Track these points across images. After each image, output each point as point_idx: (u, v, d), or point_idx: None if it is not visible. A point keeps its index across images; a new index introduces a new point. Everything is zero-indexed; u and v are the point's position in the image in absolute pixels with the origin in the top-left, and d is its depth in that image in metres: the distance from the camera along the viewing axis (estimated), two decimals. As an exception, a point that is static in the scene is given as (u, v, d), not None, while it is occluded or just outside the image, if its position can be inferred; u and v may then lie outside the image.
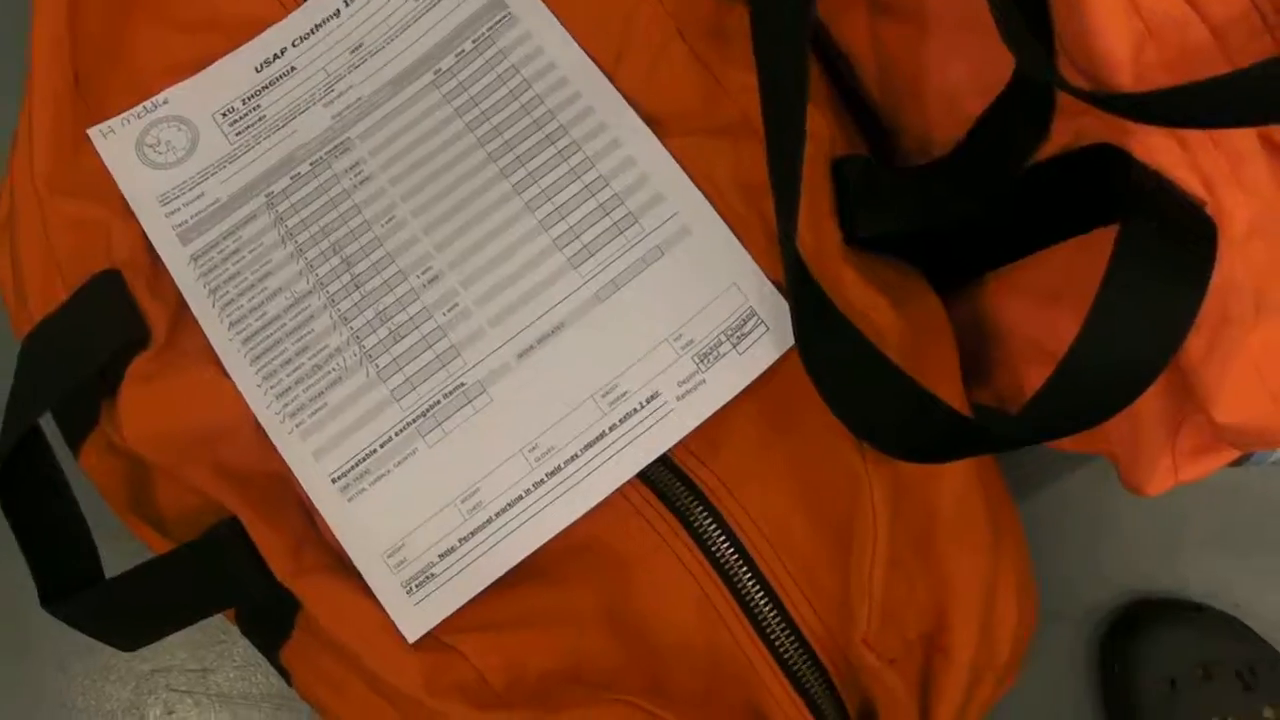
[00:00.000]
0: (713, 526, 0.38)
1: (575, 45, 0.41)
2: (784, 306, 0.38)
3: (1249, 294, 0.35)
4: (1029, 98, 0.37)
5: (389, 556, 0.38)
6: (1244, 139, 0.34)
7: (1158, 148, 0.34)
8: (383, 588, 0.38)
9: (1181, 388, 0.37)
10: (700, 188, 0.40)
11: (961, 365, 0.42)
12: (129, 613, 0.40)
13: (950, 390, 0.40)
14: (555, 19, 0.42)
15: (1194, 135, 0.34)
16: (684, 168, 0.40)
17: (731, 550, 0.38)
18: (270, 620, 0.41)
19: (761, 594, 0.38)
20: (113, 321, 0.41)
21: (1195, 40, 0.34)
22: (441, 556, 0.38)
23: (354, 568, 0.39)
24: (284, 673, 0.42)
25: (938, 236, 0.40)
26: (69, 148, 0.43)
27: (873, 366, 0.36)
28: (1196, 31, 0.34)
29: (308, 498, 0.39)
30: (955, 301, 0.43)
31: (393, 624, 0.38)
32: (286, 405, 0.39)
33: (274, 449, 0.39)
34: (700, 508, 0.38)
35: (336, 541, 0.39)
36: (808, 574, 0.38)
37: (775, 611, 0.38)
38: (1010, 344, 0.42)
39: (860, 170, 0.39)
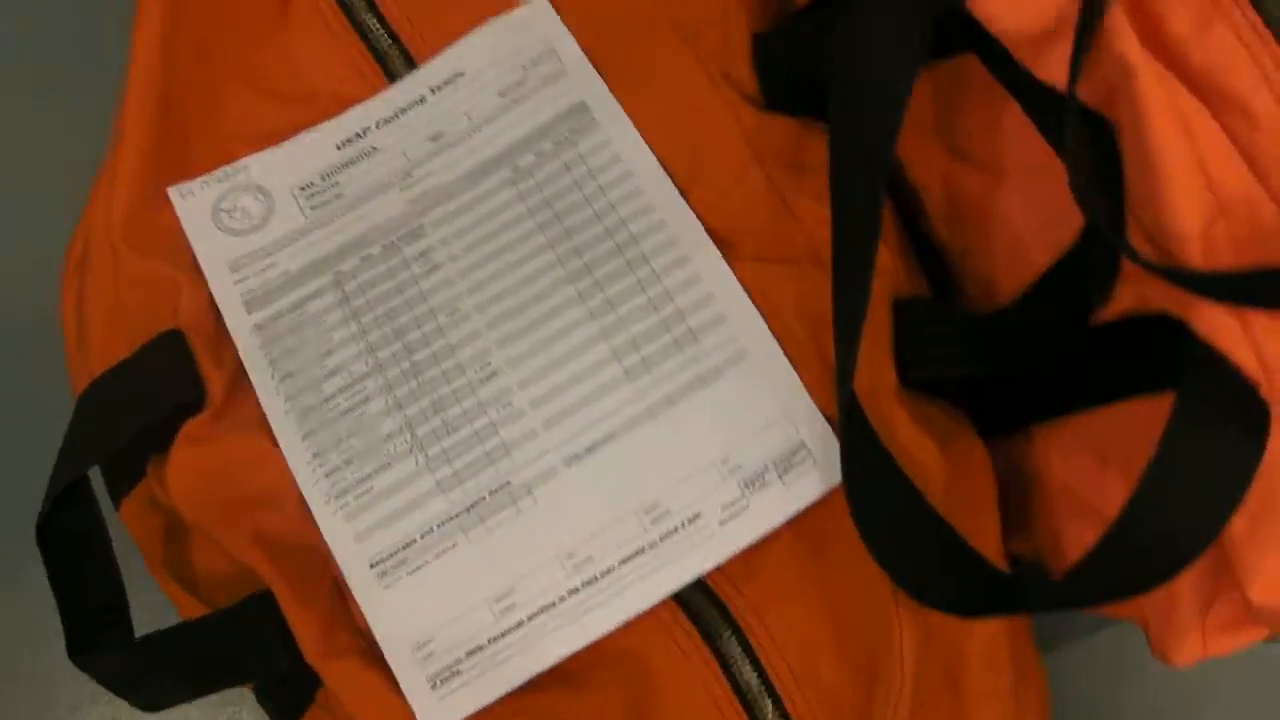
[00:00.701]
0: (739, 652, 0.38)
1: (653, 158, 0.42)
2: (834, 442, 0.39)
3: (1297, 477, 0.35)
4: (1095, 259, 0.38)
5: (418, 649, 0.38)
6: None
7: (1218, 324, 0.35)
8: (408, 680, 0.38)
9: (1218, 561, 0.37)
10: (762, 313, 0.40)
11: (1000, 512, 0.42)
12: (154, 674, 0.40)
13: (988, 538, 0.40)
14: (636, 130, 0.43)
15: (1255, 314, 0.35)
16: (748, 292, 0.40)
17: (756, 677, 0.38)
18: (289, 695, 0.41)
19: None
20: (172, 382, 0.41)
21: (1266, 220, 0.35)
22: (469, 654, 0.38)
23: (381, 654, 0.39)
24: None
25: (990, 384, 0.41)
26: (149, 203, 0.44)
27: (918, 516, 0.36)
28: (1268, 212, 0.35)
29: (344, 579, 0.39)
30: (999, 447, 0.43)
31: (414, 717, 0.38)
32: (334, 485, 0.40)
33: (315, 526, 0.40)
34: (729, 631, 0.39)
35: (366, 625, 0.39)
36: (830, 708, 0.38)
37: None
38: (1051, 497, 0.42)
39: (922, 313, 0.40)
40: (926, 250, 0.44)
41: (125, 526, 0.44)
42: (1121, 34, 0.34)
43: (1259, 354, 0.35)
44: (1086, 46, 0.33)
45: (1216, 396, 0.34)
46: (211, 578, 0.42)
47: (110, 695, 0.46)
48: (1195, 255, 0.34)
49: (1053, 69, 0.35)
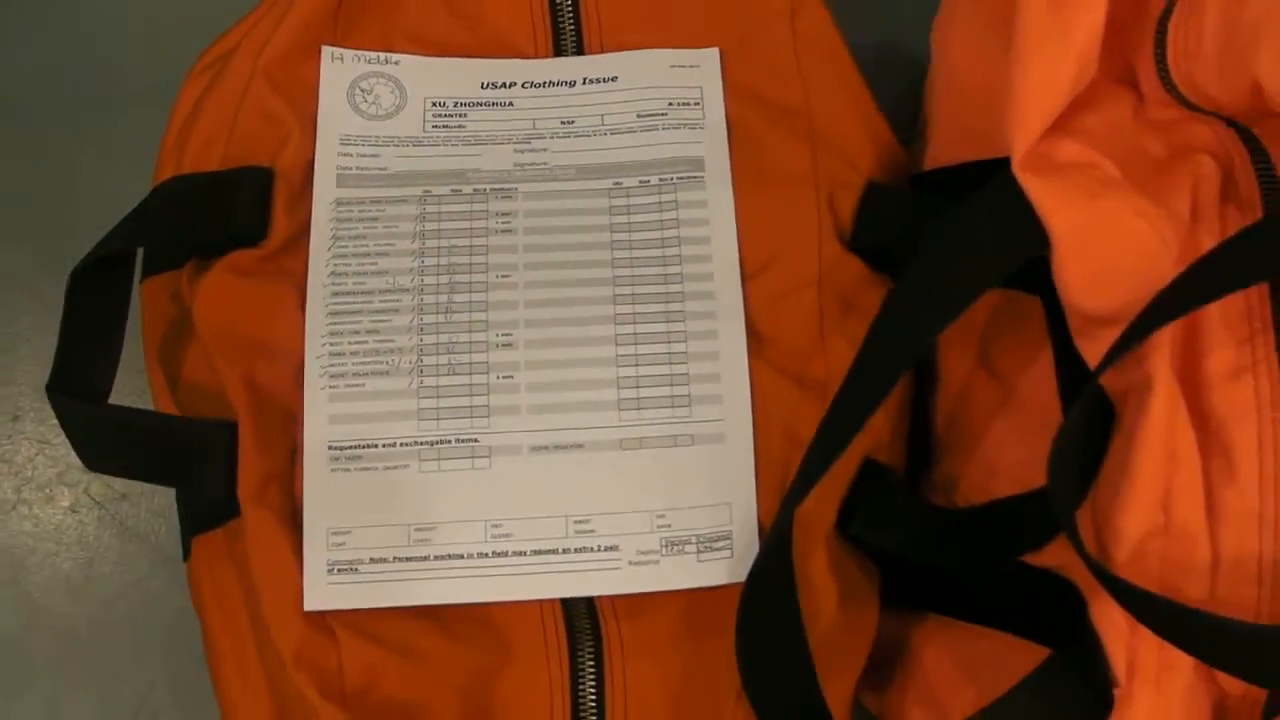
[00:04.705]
0: (592, 672, 0.42)
1: (734, 238, 0.46)
2: (754, 549, 0.42)
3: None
4: (1042, 516, 0.41)
5: (332, 534, 0.42)
6: (1186, 663, 0.38)
7: (1112, 621, 0.38)
8: (312, 555, 0.42)
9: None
10: (755, 414, 0.44)
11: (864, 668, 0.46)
12: (108, 437, 0.44)
13: (841, 693, 0.44)
14: (733, 206, 0.46)
15: (1144, 630, 0.38)
16: (753, 390, 0.44)
17: (595, 700, 0.42)
18: (206, 511, 0.45)
19: None
20: (244, 210, 0.45)
21: (1197, 560, 0.38)
22: (373, 560, 0.42)
23: (300, 525, 0.42)
24: (186, 551, 0.45)
25: (912, 567, 0.44)
26: (301, 53, 0.47)
27: (790, 646, 0.40)
28: (1201, 553, 0.37)
29: (302, 448, 0.43)
30: (891, 613, 0.47)
31: (301, 587, 0.42)
32: (334, 365, 0.43)
33: (300, 393, 0.43)
34: (591, 654, 0.42)
35: (299, 497, 0.43)
36: None
37: None
38: (912, 679, 0.46)
39: (886, 484, 0.43)
40: (918, 431, 0.48)
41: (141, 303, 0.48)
42: (1160, 350, 0.37)
43: (1131, 660, 0.38)
44: (1127, 347, 0.36)
45: (1077, 679, 0.38)
46: (192, 384, 0.46)
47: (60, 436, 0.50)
48: (1123, 554, 0.37)
49: (1093, 348, 0.39)
